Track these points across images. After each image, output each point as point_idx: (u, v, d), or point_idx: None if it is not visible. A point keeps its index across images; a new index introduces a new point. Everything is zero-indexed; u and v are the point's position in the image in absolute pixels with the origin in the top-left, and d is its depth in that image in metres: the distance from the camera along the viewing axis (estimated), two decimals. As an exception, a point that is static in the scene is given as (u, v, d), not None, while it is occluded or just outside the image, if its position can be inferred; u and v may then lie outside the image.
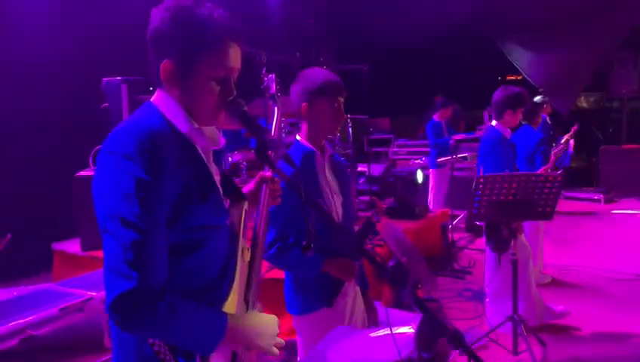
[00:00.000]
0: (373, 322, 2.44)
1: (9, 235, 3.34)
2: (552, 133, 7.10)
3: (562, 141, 6.01)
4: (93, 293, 3.47)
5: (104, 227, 1.27)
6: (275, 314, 1.54)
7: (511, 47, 10.00)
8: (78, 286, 3.61)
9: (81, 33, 5.88)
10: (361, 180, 6.93)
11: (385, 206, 6.10)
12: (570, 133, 6.14)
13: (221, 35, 1.41)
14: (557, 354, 3.86)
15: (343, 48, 9.47)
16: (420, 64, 12.21)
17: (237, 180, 5.36)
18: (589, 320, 4.39)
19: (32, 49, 5.51)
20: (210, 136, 1.49)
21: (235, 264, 1.51)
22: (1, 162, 5.48)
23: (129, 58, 3.85)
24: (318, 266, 2.23)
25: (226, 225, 1.52)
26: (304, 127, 2.38)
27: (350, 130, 6.45)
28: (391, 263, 2.18)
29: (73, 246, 5.05)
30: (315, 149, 2.35)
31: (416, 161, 8.87)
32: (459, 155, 7.61)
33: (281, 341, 1.51)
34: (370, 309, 2.48)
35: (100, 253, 4.22)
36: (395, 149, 10.03)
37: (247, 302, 1.53)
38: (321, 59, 7.09)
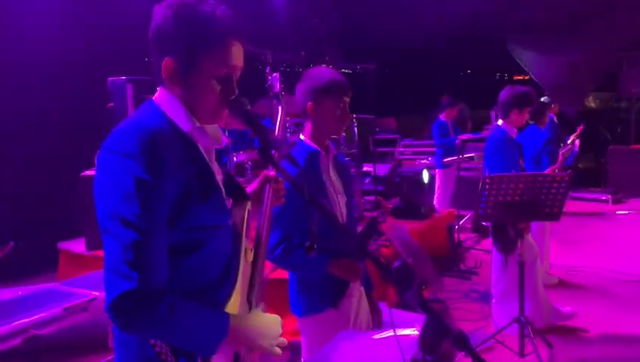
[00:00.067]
0: (378, 323, 2.42)
1: (12, 243, 3.35)
2: (559, 133, 7.05)
3: (569, 141, 5.97)
4: (97, 293, 3.46)
5: (104, 227, 1.26)
6: (279, 315, 1.53)
7: (517, 47, 9.97)
8: (82, 286, 3.61)
9: (85, 33, 5.89)
10: (367, 180, 6.91)
11: (391, 206, 6.07)
12: (576, 133, 6.10)
13: (224, 33, 1.40)
14: (564, 356, 3.83)
15: (349, 48, 9.46)
16: (426, 64, 12.20)
17: (242, 180, 5.37)
18: (596, 322, 4.36)
19: (37, 49, 5.52)
20: (213, 135, 1.48)
21: (238, 264, 1.50)
22: (6, 162, 5.50)
23: (134, 58, 3.85)
24: (323, 267, 2.22)
25: (228, 225, 1.50)
26: (308, 126, 2.37)
27: (356, 129, 6.44)
28: (396, 264, 2.16)
29: (78, 245, 5.06)
30: (319, 149, 2.33)
31: (422, 161, 8.85)
32: (465, 155, 7.57)
33: (283, 341, 1.50)
34: (374, 310, 2.46)
35: (105, 253, 4.21)
36: (401, 149, 9.99)
37: (250, 303, 1.52)
38: (327, 59, 7.07)
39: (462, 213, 6.91)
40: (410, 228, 5.17)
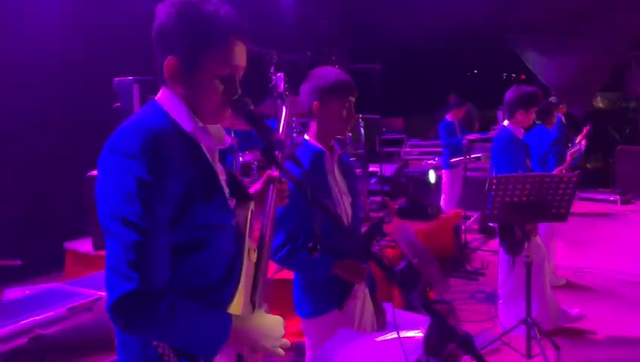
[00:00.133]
0: (382, 324, 2.41)
1: (19, 262, 3.36)
2: (567, 133, 7.01)
3: (576, 141, 5.94)
4: (102, 293, 3.46)
5: (106, 227, 1.26)
6: (283, 316, 1.52)
7: (523, 48, 9.93)
8: (87, 286, 3.61)
9: (86, 33, 5.89)
10: (373, 180, 6.88)
11: (397, 206, 6.04)
12: (583, 133, 6.06)
13: (227, 32, 1.39)
14: (571, 358, 3.80)
15: (355, 48, 9.45)
16: (433, 63, 12.16)
17: (247, 180, 5.36)
18: (603, 324, 4.32)
19: (38, 49, 5.52)
20: (216, 135, 1.47)
21: (241, 264, 1.49)
22: (14, 162, 5.52)
23: (135, 58, 3.85)
24: (328, 268, 2.20)
25: (232, 225, 1.50)
26: (313, 126, 2.35)
27: (362, 129, 6.41)
28: (402, 265, 2.15)
29: (85, 245, 5.08)
30: (324, 149, 2.32)
31: (428, 162, 8.82)
32: (472, 155, 7.53)
33: (286, 342, 1.49)
34: (378, 311, 2.44)
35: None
36: (408, 149, 9.96)
37: (253, 303, 1.51)
38: (334, 59, 7.07)
39: (469, 213, 6.88)
40: (416, 229, 5.14)
